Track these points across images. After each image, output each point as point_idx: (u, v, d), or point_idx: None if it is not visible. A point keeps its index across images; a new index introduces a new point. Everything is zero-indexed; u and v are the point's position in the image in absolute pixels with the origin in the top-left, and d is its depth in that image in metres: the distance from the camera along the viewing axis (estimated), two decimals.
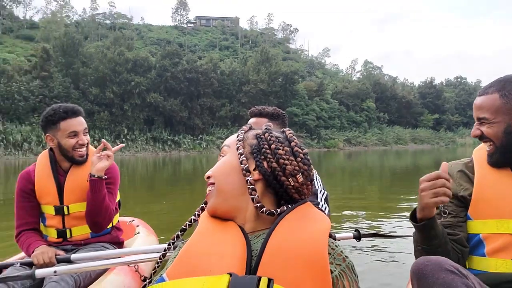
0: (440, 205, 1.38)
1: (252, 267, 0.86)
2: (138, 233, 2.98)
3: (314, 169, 2.16)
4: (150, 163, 28.42)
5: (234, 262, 0.86)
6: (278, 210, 0.95)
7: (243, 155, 0.99)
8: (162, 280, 0.87)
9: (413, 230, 1.44)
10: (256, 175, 0.97)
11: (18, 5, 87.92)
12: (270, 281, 0.78)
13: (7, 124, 40.17)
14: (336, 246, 0.92)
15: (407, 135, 68.97)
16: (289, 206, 0.97)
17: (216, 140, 48.72)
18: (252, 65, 60.38)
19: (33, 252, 2.07)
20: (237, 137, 1.05)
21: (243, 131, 1.06)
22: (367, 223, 5.91)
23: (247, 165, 0.97)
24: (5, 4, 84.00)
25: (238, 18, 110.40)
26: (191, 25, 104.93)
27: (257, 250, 0.89)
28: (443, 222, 1.52)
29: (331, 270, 0.85)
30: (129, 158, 36.19)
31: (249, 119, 2.31)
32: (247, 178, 0.96)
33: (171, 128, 50.28)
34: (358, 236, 2.19)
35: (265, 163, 0.97)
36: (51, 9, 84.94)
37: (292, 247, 0.86)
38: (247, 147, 1.01)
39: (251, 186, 0.96)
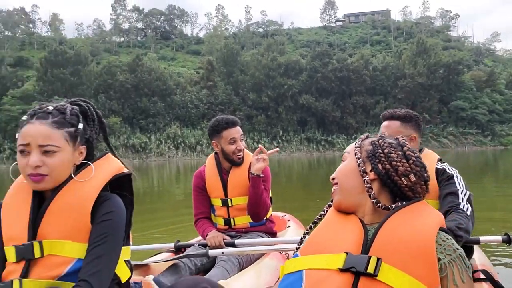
0: None
1: (366, 248, 1.04)
2: (289, 226, 3.25)
3: (455, 169, 2.21)
4: (305, 163, 29.04)
5: (352, 245, 1.05)
6: (393, 206, 1.11)
7: (360, 159, 1.17)
8: (297, 255, 1.12)
9: None
10: (372, 175, 1.14)
11: (186, 24, 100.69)
12: (378, 260, 0.98)
13: (183, 129, 46.40)
14: (447, 239, 1.04)
15: None
16: (404, 203, 1.11)
17: None
18: (408, 58, 56.42)
19: (206, 235, 2.51)
20: (355, 144, 1.23)
21: (361, 139, 1.24)
22: None
23: (363, 167, 1.15)
24: (176, 25, 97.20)
25: (389, 10, 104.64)
26: (340, 23, 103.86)
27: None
28: None
29: (440, 258, 0.99)
30: (285, 158, 37.70)
31: (381, 122, 2.37)
32: (364, 178, 1.14)
33: (324, 128, 50.60)
34: (507, 240, 2.08)
35: (379, 165, 1.13)
36: (212, 25, 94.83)
37: (401, 234, 1.02)
38: (364, 152, 1.18)
39: (367, 185, 1.13)
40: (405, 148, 1.15)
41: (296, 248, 1.21)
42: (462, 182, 2.12)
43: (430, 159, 2.27)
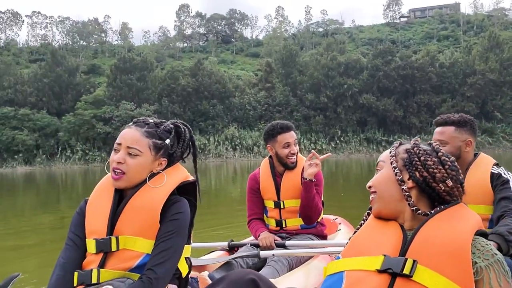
0: None
1: (403, 252, 1.08)
2: (340, 230, 3.29)
3: (511, 173, 2.21)
4: (364, 164, 28.29)
5: (390, 248, 1.10)
6: (432, 212, 1.14)
7: (397, 168, 1.19)
8: (339, 258, 1.19)
9: None
10: (410, 183, 1.17)
11: (246, 27, 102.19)
12: (414, 261, 1.03)
13: (241, 131, 47.22)
14: (486, 244, 1.07)
15: None
16: (442, 207, 1.14)
17: None
18: (478, 53, 52.67)
19: (259, 236, 2.63)
20: (390, 153, 1.25)
21: (395, 147, 1.26)
22: None
23: (401, 176, 1.18)
24: (237, 28, 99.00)
25: (459, 3, 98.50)
26: (405, 19, 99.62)
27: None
28: None
29: (476, 261, 1.03)
30: (343, 160, 36.96)
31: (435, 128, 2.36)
32: (402, 187, 1.16)
33: (385, 128, 48.88)
34: None
35: (417, 173, 1.16)
36: (272, 26, 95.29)
37: (436, 237, 1.06)
38: (400, 161, 1.21)
39: (406, 193, 1.16)
40: (440, 154, 1.18)
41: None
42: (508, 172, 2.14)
43: (486, 163, 2.25)
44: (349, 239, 1.32)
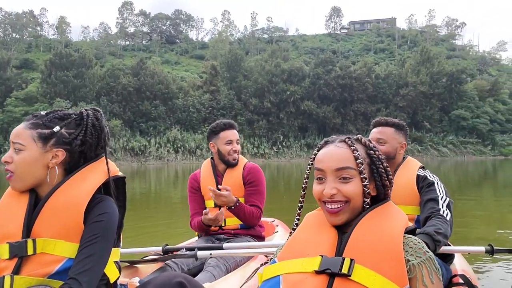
0: None
1: (340, 251, 1.08)
2: (277, 231, 3.35)
3: (436, 176, 2.26)
4: (304, 169, 29.03)
5: (326, 248, 1.10)
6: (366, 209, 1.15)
7: (364, 173, 1.18)
8: (274, 261, 1.16)
9: None
10: (372, 184, 1.19)
11: (191, 29, 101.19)
12: (352, 261, 1.03)
13: (184, 133, 46.54)
14: (418, 242, 1.09)
15: None
16: (374, 205, 1.16)
17: None
18: (411, 66, 56.49)
19: (201, 225, 2.63)
20: (353, 153, 1.18)
21: (354, 147, 1.18)
22: None
23: (367, 178, 1.17)
24: (182, 29, 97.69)
25: (395, 18, 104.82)
26: (345, 30, 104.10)
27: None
28: None
29: (409, 259, 1.04)
30: (285, 164, 37.78)
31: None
32: (364, 183, 1.16)
33: (324, 134, 50.59)
34: (491, 251, 2.12)
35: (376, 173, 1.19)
36: (218, 30, 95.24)
37: (371, 236, 1.07)
38: (366, 166, 1.19)
39: (367, 191, 1.15)
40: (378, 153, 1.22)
41: (274, 255, 1.24)
42: (443, 188, 2.20)
43: (412, 166, 2.36)
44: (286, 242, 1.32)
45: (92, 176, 1.40)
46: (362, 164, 1.13)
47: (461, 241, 4.09)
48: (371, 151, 1.18)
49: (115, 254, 1.43)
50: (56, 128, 1.40)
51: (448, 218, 2.03)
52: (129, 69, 50.22)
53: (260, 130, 48.83)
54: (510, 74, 77.37)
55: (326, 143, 1.21)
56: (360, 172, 1.12)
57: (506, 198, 10.30)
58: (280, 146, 48.57)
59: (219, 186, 2.61)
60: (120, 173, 1.49)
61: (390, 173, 1.19)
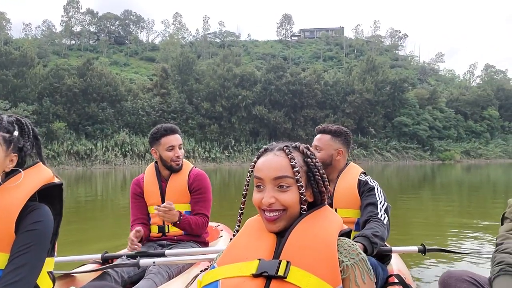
0: None
1: (277, 255, 1.10)
2: (221, 236, 3.35)
3: (376, 182, 2.34)
4: None
5: (264, 252, 1.11)
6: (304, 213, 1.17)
7: (300, 181, 1.19)
8: (214, 267, 1.17)
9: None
10: (309, 191, 1.22)
11: (142, 30, 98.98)
12: (288, 263, 1.06)
13: (132, 137, 45.23)
14: (352, 244, 1.12)
15: None
16: (311, 209, 1.18)
17: None
18: (357, 74, 58.88)
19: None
20: (290, 161, 1.19)
21: (290, 155, 1.20)
22: (455, 240, 5.50)
23: (303, 184, 1.19)
24: (132, 30, 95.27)
25: (343, 27, 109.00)
26: (295, 38, 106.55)
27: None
28: None
29: (343, 260, 1.07)
30: (236, 168, 37.85)
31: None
32: (301, 190, 1.17)
33: (275, 139, 51.21)
34: (423, 250, 2.25)
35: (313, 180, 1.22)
36: (169, 32, 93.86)
37: (307, 239, 1.10)
38: (303, 174, 1.21)
39: (303, 198, 1.17)
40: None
41: (214, 260, 1.24)
42: (382, 194, 2.28)
43: (354, 171, 2.43)
44: None
45: (26, 183, 1.35)
46: (299, 172, 1.15)
47: (400, 241, 4.29)
48: (308, 159, 1.20)
49: (49, 264, 1.38)
50: (16, 133, 1.39)
51: (385, 221, 2.11)
52: (74, 70, 48.05)
53: (211, 134, 48.60)
54: (447, 84, 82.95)
55: (266, 151, 1.22)
56: (297, 181, 1.14)
57: (442, 202, 10.85)
58: (231, 151, 48.60)
59: (161, 205, 2.49)
60: (57, 180, 1.42)
61: (326, 179, 1.22)
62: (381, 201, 2.22)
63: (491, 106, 64.06)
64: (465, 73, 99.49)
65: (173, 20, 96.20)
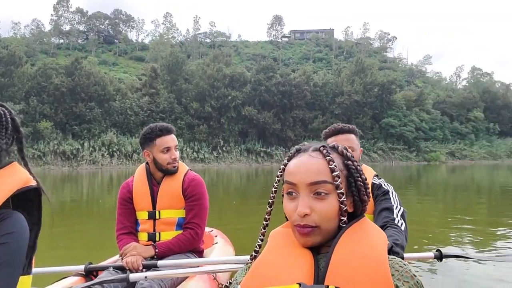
0: None
1: (319, 277, 0.92)
2: (216, 243, 3.19)
3: (390, 185, 2.23)
4: (243, 174, 29.45)
5: (304, 274, 0.92)
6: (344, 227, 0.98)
7: (341, 188, 1.03)
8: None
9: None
10: (349, 200, 1.04)
11: (132, 30, 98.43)
12: None
13: (120, 137, 45.03)
14: (404, 264, 0.94)
15: None
16: (350, 222, 0.99)
17: None
18: (346, 76, 59.38)
19: (123, 253, 2.29)
20: (329, 164, 1.01)
21: (329, 158, 1.00)
22: (463, 244, 5.48)
23: (344, 194, 1.01)
24: (121, 30, 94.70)
25: (333, 29, 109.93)
26: (286, 39, 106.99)
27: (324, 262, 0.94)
28: None
29: (397, 285, 0.89)
30: (224, 169, 37.97)
31: (330, 135, 2.37)
32: (341, 199, 0.99)
33: (264, 140, 51.56)
34: (439, 256, 2.07)
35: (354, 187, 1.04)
36: (159, 32, 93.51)
37: (353, 259, 0.91)
38: (344, 179, 1.04)
39: (344, 208, 1.00)
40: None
41: (234, 282, 1.05)
42: (397, 198, 2.17)
43: (368, 174, 2.30)
44: (248, 267, 1.13)
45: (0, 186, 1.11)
46: (339, 177, 0.96)
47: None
48: (349, 162, 1.01)
49: (25, 283, 1.12)
50: None
51: (402, 228, 1.99)
52: (62, 69, 47.66)
53: (200, 135, 48.60)
54: (434, 86, 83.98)
55: (298, 151, 1.03)
56: (337, 187, 0.95)
57: (428, 202, 10.98)
58: (220, 151, 48.66)
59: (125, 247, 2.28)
60: (33, 183, 1.16)
61: (368, 186, 1.03)
62: (396, 206, 2.10)
63: (477, 108, 65.08)
64: (451, 75, 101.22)
65: (164, 20, 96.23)
